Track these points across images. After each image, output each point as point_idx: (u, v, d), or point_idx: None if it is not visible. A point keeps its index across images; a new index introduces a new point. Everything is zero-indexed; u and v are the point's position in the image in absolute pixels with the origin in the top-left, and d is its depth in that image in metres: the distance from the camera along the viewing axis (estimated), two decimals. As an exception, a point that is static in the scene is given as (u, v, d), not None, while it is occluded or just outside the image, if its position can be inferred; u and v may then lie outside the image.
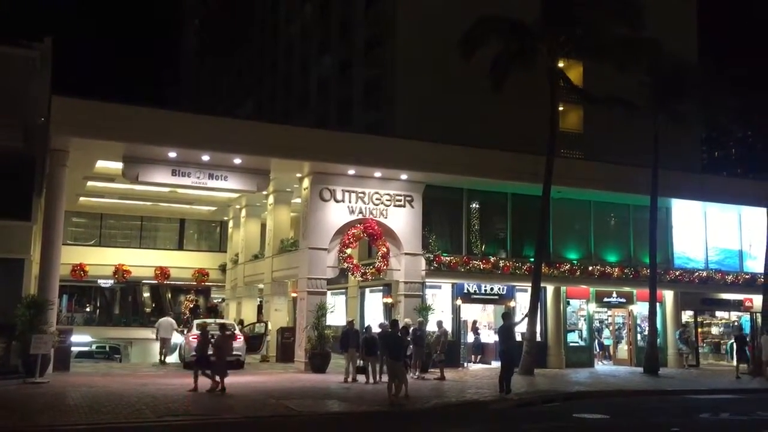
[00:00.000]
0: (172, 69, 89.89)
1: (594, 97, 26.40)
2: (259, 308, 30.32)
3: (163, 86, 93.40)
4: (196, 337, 22.67)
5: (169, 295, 36.02)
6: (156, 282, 34.19)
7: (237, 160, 23.17)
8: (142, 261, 33.04)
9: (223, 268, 34.26)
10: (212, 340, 18.34)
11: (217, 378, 17.29)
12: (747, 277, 30.19)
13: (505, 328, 18.75)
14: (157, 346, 26.12)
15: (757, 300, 29.00)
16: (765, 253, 27.78)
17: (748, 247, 31.21)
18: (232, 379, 19.66)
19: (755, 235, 30.53)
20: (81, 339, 24.84)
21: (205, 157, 22.75)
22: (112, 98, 22.04)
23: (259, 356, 25.81)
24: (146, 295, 36.72)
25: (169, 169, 22.87)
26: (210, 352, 17.86)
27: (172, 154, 22.32)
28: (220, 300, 36.30)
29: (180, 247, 35.12)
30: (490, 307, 27.59)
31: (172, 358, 25.63)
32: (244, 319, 28.32)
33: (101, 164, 23.73)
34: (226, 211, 33.14)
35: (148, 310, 36.12)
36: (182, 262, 34.07)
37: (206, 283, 35.05)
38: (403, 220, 25.06)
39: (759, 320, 28.81)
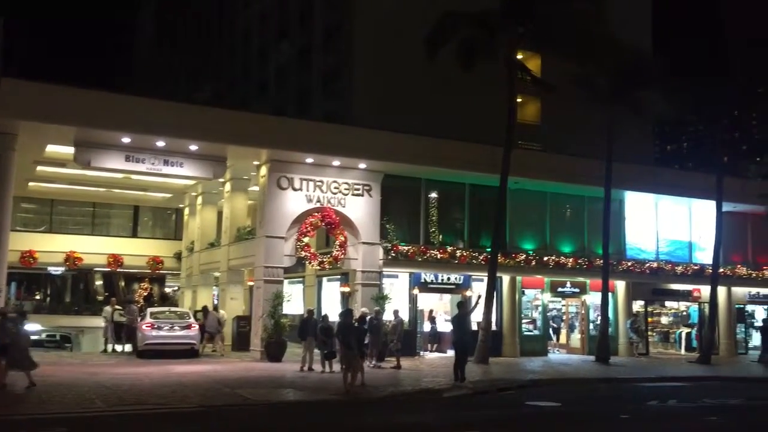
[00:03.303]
0: (127, 53, 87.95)
1: (550, 85, 26.67)
2: (215, 298, 30.03)
3: (118, 70, 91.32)
4: (150, 325, 22.51)
5: (123, 283, 35.36)
6: (109, 270, 33.61)
7: (193, 147, 22.82)
8: (94, 248, 32.46)
9: (178, 256, 33.81)
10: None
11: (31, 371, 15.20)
12: (696, 268, 30.96)
13: (459, 317, 18.95)
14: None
15: (706, 290, 29.76)
16: (714, 244, 28.50)
17: (698, 239, 32.00)
18: (188, 368, 19.49)
19: (704, 227, 31.30)
20: (31, 327, 24.15)
21: (160, 143, 22.36)
22: (63, 81, 21.48)
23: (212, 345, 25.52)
24: (98, 283, 35.97)
25: (122, 154, 22.41)
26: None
27: (126, 140, 21.87)
28: (175, 288, 35.82)
29: (134, 234, 34.54)
30: (447, 297, 27.78)
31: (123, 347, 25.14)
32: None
33: (52, 149, 23.07)
34: (181, 198, 32.64)
35: (100, 298, 35.33)
36: (136, 250, 33.55)
37: (161, 271, 34.56)
38: (361, 210, 25.03)
39: (707, 310, 29.58)
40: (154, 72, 75.72)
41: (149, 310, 24.42)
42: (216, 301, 29.22)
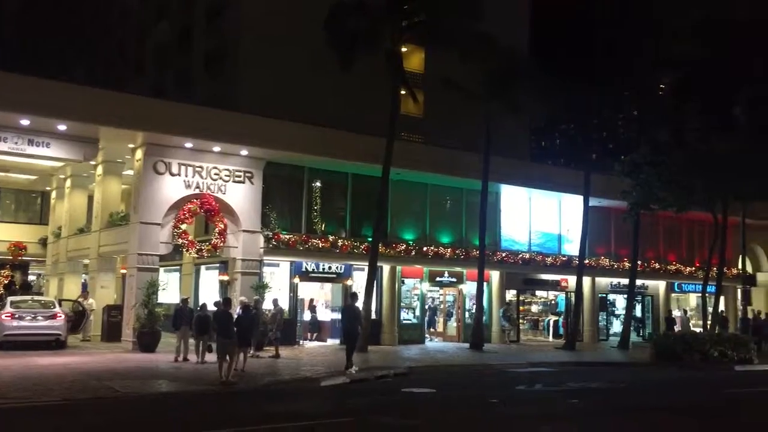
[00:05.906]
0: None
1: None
2: (84, 286, 28.60)
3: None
4: (10, 315, 21.11)
5: (-20, 271, 32.92)
6: (-35, 256, 31.21)
7: (62, 127, 21.58)
8: (-52, 232, 30.05)
9: (43, 242, 31.91)
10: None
11: None
12: (564, 259, 32.66)
13: (352, 307, 19.07)
14: None
15: (573, 280, 31.46)
16: (580, 237, 30.13)
17: (566, 232, 33.75)
18: (52, 360, 18.48)
19: (572, 220, 33.05)
20: None
21: (25, 122, 21.02)
22: None
23: (80, 336, 24.31)
24: (-48, 270, 33.33)
25: (-20, 132, 20.87)
26: None
27: (-15, 117, 20.35)
28: (38, 275, 33.77)
29: (-6, 218, 32.28)
30: (328, 286, 27.87)
31: None
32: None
33: None
34: (48, 180, 30.78)
35: (-46, 286, 32.80)
36: (-4, 235, 31.35)
37: (24, 258, 32.46)
38: (242, 197, 24.59)
39: (573, 299, 31.28)
40: (20, 46, 70.70)
41: (9, 299, 22.90)
42: (85, 290, 27.84)
